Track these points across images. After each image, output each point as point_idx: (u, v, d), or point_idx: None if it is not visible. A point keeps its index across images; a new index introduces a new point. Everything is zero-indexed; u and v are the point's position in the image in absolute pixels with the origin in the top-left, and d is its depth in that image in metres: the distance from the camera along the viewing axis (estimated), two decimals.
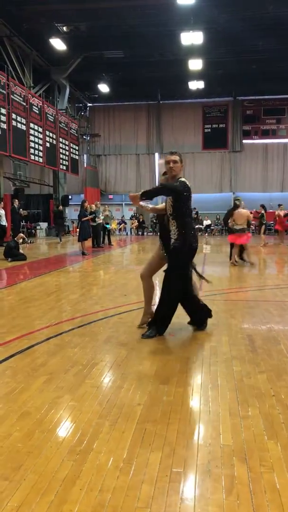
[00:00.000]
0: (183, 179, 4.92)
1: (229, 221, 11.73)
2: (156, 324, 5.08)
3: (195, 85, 25.71)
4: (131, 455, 2.62)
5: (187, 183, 4.90)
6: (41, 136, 22.14)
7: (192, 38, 18.89)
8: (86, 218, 15.45)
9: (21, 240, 14.03)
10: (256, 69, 23.81)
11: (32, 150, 21.10)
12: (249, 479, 2.38)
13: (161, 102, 30.50)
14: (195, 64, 22.12)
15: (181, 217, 4.93)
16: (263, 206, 17.64)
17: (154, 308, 5.36)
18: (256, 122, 30.06)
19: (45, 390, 3.58)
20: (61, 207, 24.50)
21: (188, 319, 5.40)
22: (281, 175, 29.92)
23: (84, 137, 31.16)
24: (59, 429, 2.96)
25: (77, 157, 28.67)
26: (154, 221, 28.78)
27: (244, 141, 30.21)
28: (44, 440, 2.80)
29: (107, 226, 19.49)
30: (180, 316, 5.35)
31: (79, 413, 3.18)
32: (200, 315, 5.37)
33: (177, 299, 5.09)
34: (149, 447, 2.71)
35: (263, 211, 17.47)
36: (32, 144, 21.11)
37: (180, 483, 2.37)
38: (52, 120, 23.85)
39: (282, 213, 19.41)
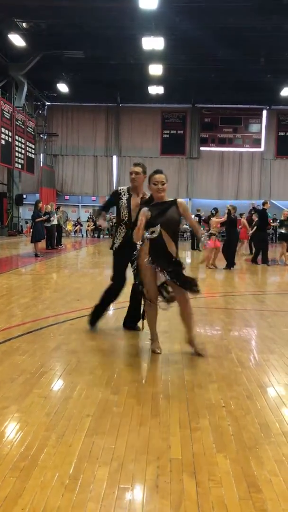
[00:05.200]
0: None
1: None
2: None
3: (155, 90, 25.89)
4: (77, 471, 2.53)
5: None
6: None
7: (153, 43, 19.00)
8: (40, 218, 15.16)
9: None
10: (215, 78, 24.25)
11: None
12: (197, 495, 2.34)
13: (120, 105, 30.44)
14: (155, 69, 22.26)
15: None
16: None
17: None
18: (213, 130, 30.58)
19: None
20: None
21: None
22: (235, 183, 30.53)
23: (41, 136, 30.66)
24: (3, 443, 2.82)
25: (33, 156, 28.13)
26: (111, 224, 28.59)
27: (201, 148, 30.66)
28: None
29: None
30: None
31: (24, 425, 3.05)
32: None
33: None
34: (97, 461, 2.63)
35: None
36: None
37: (127, 500, 2.30)
38: (8, 117, 23.30)
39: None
